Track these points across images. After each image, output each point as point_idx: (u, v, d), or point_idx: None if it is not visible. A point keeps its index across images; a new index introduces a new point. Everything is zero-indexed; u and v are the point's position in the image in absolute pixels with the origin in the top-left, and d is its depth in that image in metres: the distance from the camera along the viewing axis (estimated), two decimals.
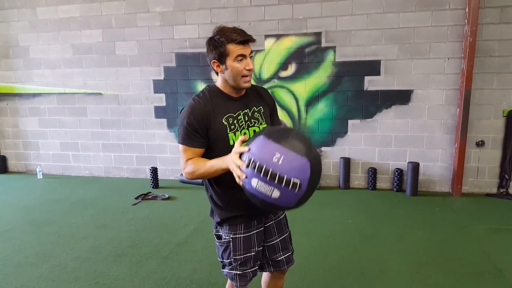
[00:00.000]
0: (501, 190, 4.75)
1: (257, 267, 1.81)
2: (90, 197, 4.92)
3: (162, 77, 5.54)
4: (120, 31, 5.54)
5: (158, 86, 5.58)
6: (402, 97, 4.85)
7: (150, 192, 5.01)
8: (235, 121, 1.61)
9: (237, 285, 1.79)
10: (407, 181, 4.80)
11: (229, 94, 1.64)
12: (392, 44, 4.74)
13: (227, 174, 1.48)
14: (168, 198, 4.79)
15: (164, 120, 5.67)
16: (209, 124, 1.57)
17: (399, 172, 4.91)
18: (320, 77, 5.03)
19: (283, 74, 5.14)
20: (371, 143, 5.03)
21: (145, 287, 2.66)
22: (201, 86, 5.41)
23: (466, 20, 4.45)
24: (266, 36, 5.09)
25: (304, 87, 5.08)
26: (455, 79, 4.65)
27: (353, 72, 4.92)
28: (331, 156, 5.19)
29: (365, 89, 4.92)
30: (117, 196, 4.93)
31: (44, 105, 6.06)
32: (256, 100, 1.72)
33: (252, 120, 1.67)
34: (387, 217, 4.02)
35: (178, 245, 3.37)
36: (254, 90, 1.78)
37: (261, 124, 1.69)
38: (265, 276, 2.01)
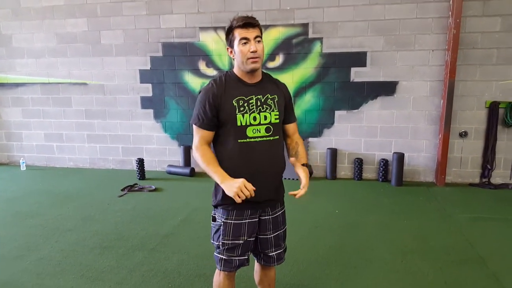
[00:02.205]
0: (484, 180, 4.88)
1: (246, 257, 1.82)
2: (75, 189, 4.85)
3: (148, 67, 5.45)
4: (105, 20, 5.41)
5: (145, 76, 5.49)
6: (387, 88, 4.90)
7: (136, 184, 4.97)
8: (245, 104, 1.65)
9: (220, 269, 1.82)
10: (392, 171, 4.89)
11: (243, 80, 1.70)
12: (378, 35, 4.77)
13: (231, 164, 1.65)
14: (155, 190, 4.76)
15: (151, 111, 5.60)
16: (220, 105, 1.64)
17: (385, 163, 4.98)
18: (307, 68, 5.03)
19: (271, 65, 5.12)
20: (357, 134, 5.08)
21: (132, 279, 2.65)
22: (188, 76, 5.36)
23: (450, 12, 4.50)
24: None
25: (291, 78, 5.07)
26: (439, 70, 4.72)
27: (340, 64, 4.94)
28: (318, 147, 5.23)
29: (351, 80, 4.95)
30: (103, 188, 4.87)
31: (28, 95, 5.91)
32: (272, 89, 1.75)
33: (264, 105, 1.69)
34: (372, 207, 4.08)
35: (165, 236, 3.36)
36: (273, 82, 1.81)
37: (272, 110, 1.70)
38: (257, 266, 2.04)
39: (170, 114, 5.55)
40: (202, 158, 1.65)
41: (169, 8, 5.21)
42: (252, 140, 1.66)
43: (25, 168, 5.87)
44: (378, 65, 4.85)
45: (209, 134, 1.70)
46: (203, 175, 5.50)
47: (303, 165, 1.78)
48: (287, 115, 1.83)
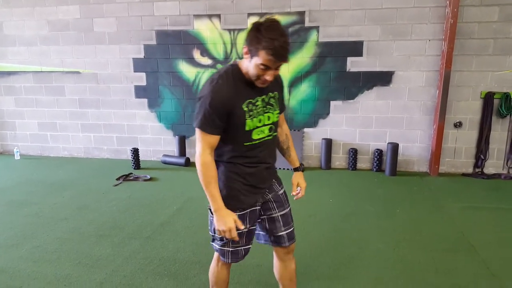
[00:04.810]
0: (477, 170, 4.93)
1: (250, 245, 1.80)
2: (70, 178, 4.83)
3: (142, 55, 5.39)
4: (98, 7, 5.31)
5: (138, 65, 5.43)
6: (383, 78, 4.89)
7: (131, 173, 4.96)
8: (253, 107, 1.58)
9: (228, 262, 1.79)
10: (387, 161, 4.92)
11: (250, 80, 1.56)
12: (374, 25, 4.74)
13: (232, 163, 1.64)
14: (150, 179, 4.76)
15: (145, 100, 5.56)
16: (230, 109, 1.53)
17: (379, 153, 5.01)
18: (303, 57, 5.00)
19: None
20: (352, 124, 5.09)
21: (128, 267, 2.67)
22: (183, 65, 5.31)
23: (447, 2, 4.48)
24: (249, 15, 4.99)
25: (287, 68, 5.04)
26: (436, 60, 4.71)
27: (336, 53, 4.91)
28: (313, 137, 5.23)
29: (347, 70, 4.94)
30: (98, 177, 4.86)
31: (20, 83, 5.83)
32: (272, 85, 1.65)
33: (267, 106, 1.64)
34: (367, 197, 4.12)
35: (161, 225, 3.38)
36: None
37: (275, 110, 1.67)
38: (275, 261, 1.98)
39: (165, 103, 5.51)
40: (204, 175, 1.57)
41: None
42: (257, 141, 1.63)
43: (19, 157, 5.83)
44: (375, 54, 4.83)
45: (216, 139, 1.58)
46: None
47: (298, 168, 1.95)
48: (281, 104, 1.81)
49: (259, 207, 1.77)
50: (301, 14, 4.87)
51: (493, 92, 4.66)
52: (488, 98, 4.68)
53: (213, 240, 1.81)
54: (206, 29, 5.14)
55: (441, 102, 4.67)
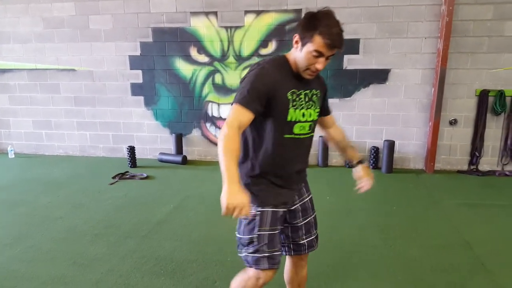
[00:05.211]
0: (472, 167, 4.96)
1: (281, 252, 1.69)
2: (65, 176, 4.80)
3: (138, 53, 5.35)
4: (93, 4, 5.27)
5: (135, 62, 5.40)
6: (379, 76, 4.90)
7: (127, 172, 4.93)
8: (297, 98, 1.53)
9: (267, 268, 1.57)
10: (383, 158, 4.94)
11: (295, 71, 1.53)
12: (371, 22, 4.74)
13: (270, 157, 1.55)
14: (147, 178, 4.74)
15: (141, 98, 5.53)
16: (273, 94, 1.47)
17: (375, 150, 5.02)
18: None
19: (264, 51, 5.07)
20: (349, 122, 5.10)
21: (124, 266, 2.66)
22: (179, 63, 5.28)
23: (443, 0, 4.48)
24: (246, 12, 4.97)
25: None
26: (431, 58, 4.73)
27: None
28: None
29: (344, 68, 4.94)
30: (94, 176, 4.83)
31: (15, 81, 5.77)
32: (315, 82, 1.64)
33: (310, 102, 1.59)
34: (363, 194, 4.06)
35: (158, 224, 3.36)
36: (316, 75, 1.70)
37: (316, 108, 1.62)
38: (287, 264, 1.94)
39: (161, 101, 5.49)
40: (224, 146, 1.39)
41: None
42: (297, 136, 1.56)
43: (13, 156, 5.78)
44: (371, 52, 4.83)
45: (248, 118, 1.45)
46: (195, 163, 5.48)
47: (361, 161, 2.00)
48: (326, 106, 1.81)
49: (287, 210, 1.69)
50: (298, 11, 4.86)
51: (488, 89, 4.68)
52: (482, 95, 4.71)
53: (242, 250, 1.63)
54: (203, 27, 5.11)
55: (436, 99, 4.69)
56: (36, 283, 2.46)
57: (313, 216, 1.82)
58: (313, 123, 1.64)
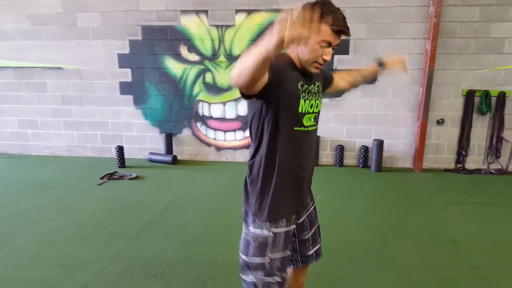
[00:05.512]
0: (458, 166, 5.05)
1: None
2: (52, 177, 4.72)
3: (127, 51, 5.29)
4: (81, 2, 5.18)
5: (123, 61, 5.33)
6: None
7: (116, 172, 4.87)
8: (306, 90, 1.47)
9: None
10: (372, 157, 4.99)
11: (299, 67, 1.45)
12: (362, 23, 4.77)
13: (284, 154, 1.42)
14: (136, 178, 4.69)
15: (130, 97, 5.46)
16: (282, 81, 1.35)
17: (365, 149, 5.07)
18: None
19: None
20: (339, 121, 5.13)
21: (113, 268, 2.62)
22: (169, 61, 5.24)
23: (431, 1, 4.55)
24: (237, 11, 4.96)
25: None
26: (420, 59, 4.79)
27: None
28: None
29: (334, 68, 4.96)
30: (81, 176, 4.76)
31: (0, 79, 5.66)
32: (317, 75, 1.57)
33: (316, 94, 1.54)
34: (353, 193, 4.17)
35: (147, 224, 3.33)
36: None
37: (320, 98, 1.57)
38: (288, 271, 1.87)
39: (151, 100, 5.43)
40: (246, 53, 1.13)
41: None
42: (304, 129, 1.48)
43: None
44: (361, 53, 4.87)
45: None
46: (185, 162, 5.45)
47: (380, 63, 1.94)
48: (328, 76, 1.82)
49: (295, 228, 1.62)
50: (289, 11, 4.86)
51: (474, 90, 4.77)
52: (469, 95, 4.79)
53: (248, 273, 1.47)
54: (193, 25, 5.08)
55: (424, 99, 4.76)
56: (22, 286, 2.41)
57: (317, 225, 1.79)
58: (318, 115, 1.57)
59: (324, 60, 1.41)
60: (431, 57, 4.60)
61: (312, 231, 1.72)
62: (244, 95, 1.29)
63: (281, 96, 1.37)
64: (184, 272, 2.56)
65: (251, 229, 1.48)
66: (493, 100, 4.77)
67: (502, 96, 4.73)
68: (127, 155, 5.40)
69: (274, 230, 1.45)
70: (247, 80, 1.16)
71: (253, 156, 1.48)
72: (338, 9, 1.39)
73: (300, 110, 1.44)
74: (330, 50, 1.41)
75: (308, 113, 1.48)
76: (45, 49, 5.43)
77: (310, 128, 1.52)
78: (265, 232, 1.44)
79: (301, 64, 1.44)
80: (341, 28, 1.37)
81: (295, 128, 1.45)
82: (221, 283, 2.43)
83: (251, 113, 1.45)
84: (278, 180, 1.45)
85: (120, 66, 5.36)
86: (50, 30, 5.35)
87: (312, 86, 1.51)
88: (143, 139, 5.60)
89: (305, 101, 1.46)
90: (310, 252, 1.71)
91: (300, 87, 1.44)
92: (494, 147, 4.89)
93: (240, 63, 1.14)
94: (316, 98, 1.53)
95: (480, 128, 4.91)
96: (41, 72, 5.52)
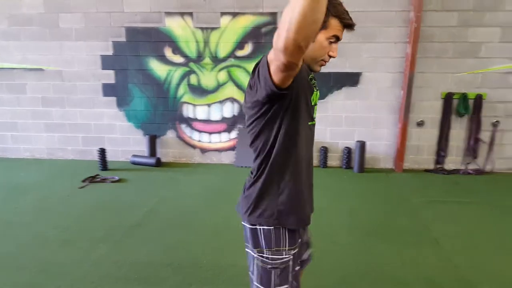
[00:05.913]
0: (438, 166, 5.18)
1: None
2: (32, 180, 4.60)
3: (111, 52, 5.22)
4: (64, 2, 5.09)
5: (107, 62, 5.26)
6: (352, 79, 5.03)
7: (98, 175, 4.79)
8: (312, 80, 1.41)
9: None
10: (355, 159, 5.07)
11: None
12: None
13: (302, 153, 1.32)
14: (119, 181, 4.63)
15: (114, 99, 5.39)
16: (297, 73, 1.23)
17: (348, 151, 5.15)
18: None
19: (240, 53, 5.08)
20: (323, 123, 5.20)
21: (95, 273, 2.58)
22: (153, 63, 5.20)
23: (411, 6, 4.67)
24: (222, 14, 4.97)
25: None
26: (401, 62, 4.91)
27: None
28: None
29: (318, 70, 5.02)
30: (62, 179, 4.66)
31: None
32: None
33: (314, 85, 1.45)
34: (337, 193, 4.23)
35: (131, 228, 3.29)
36: None
37: (318, 90, 1.47)
38: None
39: (134, 102, 5.38)
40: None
41: None
42: (312, 123, 1.40)
43: None
44: (344, 56, 4.95)
45: None
46: (170, 165, 5.41)
47: None
48: None
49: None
50: (273, 15, 4.91)
51: (453, 92, 4.92)
52: (448, 98, 4.94)
53: None
54: (178, 27, 5.06)
55: (405, 102, 4.87)
56: None
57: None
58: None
59: (331, 57, 1.36)
60: (411, 60, 4.72)
61: (307, 236, 1.67)
62: (278, 89, 1.14)
63: (295, 86, 1.22)
64: (169, 275, 2.55)
65: (269, 256, 1.33)
66: (471, 102, 4.93)
67: (479, 99, 4.89)
68: (109, 157, 5.32)
69: (293, 251, 1.35)
70: (306, 26, 0.92)
71: (264, 164, 1.32)
72: (341, 3, 1.34)
73: (312, 103, 1.38)
74: (336, 46, 1.35)
75: (316, 104, 1.42)
76: (26, 50, 5.30)
77: (315, 122, 1.45)
78: (286, 257, 1.33)
79: (306, 62, 1.36)
80: (350, 21, 1.32)
81: (309, 123, 1.37)
82: (206, 285, 2.43)
83: (256, 115, 1.29)
84: (297, 183, 1.34)
85: (104, 68, 5.28)
86: (30, 31, 5.23)
87: (311, 75, 1.43)
88: (126, 142, 5.53)
89: (315, 94, 1.40)
90: (305, 257, 1.64)
91: (310, 80, 1.38)
92: (472, 148, 5.05)
93: (288, 13, 0.92)
94: (317, 89, 1.45)
95: (458, 130, 5.06)
96: (21, 73, 5.39)
